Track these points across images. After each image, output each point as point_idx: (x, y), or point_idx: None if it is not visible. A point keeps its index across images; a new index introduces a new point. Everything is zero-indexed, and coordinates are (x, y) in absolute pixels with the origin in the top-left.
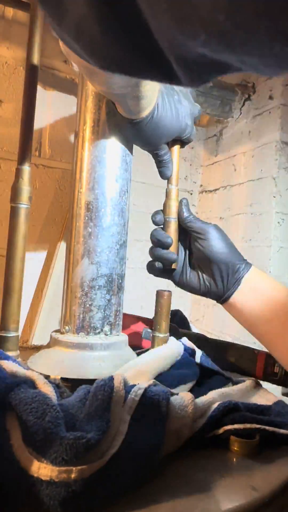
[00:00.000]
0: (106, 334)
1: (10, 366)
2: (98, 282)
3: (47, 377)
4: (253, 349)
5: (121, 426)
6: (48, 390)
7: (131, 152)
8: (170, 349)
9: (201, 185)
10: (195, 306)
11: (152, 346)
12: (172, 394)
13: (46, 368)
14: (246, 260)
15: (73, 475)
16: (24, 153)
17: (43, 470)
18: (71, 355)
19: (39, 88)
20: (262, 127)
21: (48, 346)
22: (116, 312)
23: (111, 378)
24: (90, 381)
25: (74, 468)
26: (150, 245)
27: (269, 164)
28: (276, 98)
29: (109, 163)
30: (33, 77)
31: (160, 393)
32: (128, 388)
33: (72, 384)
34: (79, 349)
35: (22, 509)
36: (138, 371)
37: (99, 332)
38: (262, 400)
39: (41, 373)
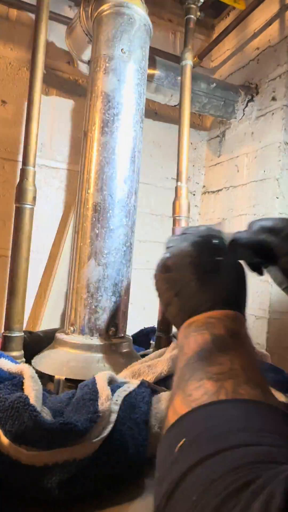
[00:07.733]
0: (111, 336)
1: (3, 363)
2: (104, 284)
3: (51, 377)
4: None
5: (111, 417)
6: (31, 389)
7: (140, 154)
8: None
9: (203, 186)
10: None
11: (157, 347)
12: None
13: (51, 368)
14: None
15: (66, 458)
16: (28, 154)
17: (35, 457)
18: (76, 356)
19: (43, 89)
20: (265, 128)
21: (52, 346)
22: (121, 314)
23: (94, 381)
24: None
25: (65, 451)
26: (153, 245)
27: (272, 165)
28: (279, 99)
29: (118, 164)
30: (36, 78)
31: (145, 393)
32: (116, 386)
33: (76, 384)
34: (84, 350)
35: (27, 498)
36: (139, 373)
37: (104, 334)
38: None
39: (45, 373)
